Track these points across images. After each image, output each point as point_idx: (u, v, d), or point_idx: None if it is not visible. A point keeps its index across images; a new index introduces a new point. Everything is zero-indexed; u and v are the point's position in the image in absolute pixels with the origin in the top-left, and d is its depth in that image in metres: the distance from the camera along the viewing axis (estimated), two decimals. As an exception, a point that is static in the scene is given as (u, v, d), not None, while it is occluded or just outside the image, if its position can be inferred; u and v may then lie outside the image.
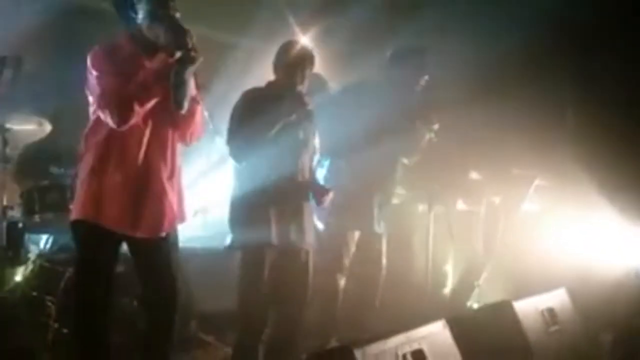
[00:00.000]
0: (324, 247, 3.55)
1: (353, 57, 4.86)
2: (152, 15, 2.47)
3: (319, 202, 3.16)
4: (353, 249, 3.59)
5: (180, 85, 2.46)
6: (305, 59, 3.11)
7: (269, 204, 3.00)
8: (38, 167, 3.95)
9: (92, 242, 2.52)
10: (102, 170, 2.49)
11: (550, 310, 3.27)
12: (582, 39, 4.69)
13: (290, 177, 3.07)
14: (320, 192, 3.14)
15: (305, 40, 5.15)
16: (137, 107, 2.40)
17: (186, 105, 2.51)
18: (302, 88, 3.09)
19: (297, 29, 5.15)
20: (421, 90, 3.65)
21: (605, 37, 4.57)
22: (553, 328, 3.22)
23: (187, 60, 2.42)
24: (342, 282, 3.54)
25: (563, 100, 4.86)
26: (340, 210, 3.51)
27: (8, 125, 3.58)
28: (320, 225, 3.59)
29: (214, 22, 4.52)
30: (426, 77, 3.63)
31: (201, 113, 2.65)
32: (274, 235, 2.99)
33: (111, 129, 2.45)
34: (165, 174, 2.58)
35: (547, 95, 4.79)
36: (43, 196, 3.60)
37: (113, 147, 2.49)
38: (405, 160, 3.77)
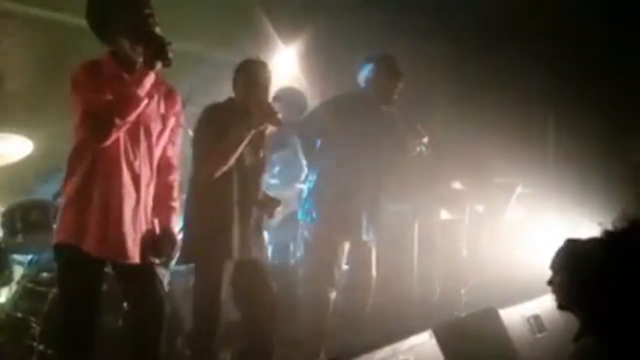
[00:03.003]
0: (313, 259, 3.56)
1: (335, 69, 4.89)
2: (132, 33, 2.48)
3: (270, 215, 3.19)
4: (344, 260, 3.58)
5: None
6: (266, 77, 3.15)
7: (231, 221, 3.03)
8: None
9: (76, 266, 2.47)
10: (86, 196, 2.46)
11: (536, 318, 3.29)
12: (561, 45, 4.75)
13: (253, 197, 3.12)
14: (271, 205, 3.17)
15: (288, 53, 5.20)
16: (117, 121, 2.38)
17: None
18: (266, 103, 3.12)
19: (279, 43, 5.18)
20: (400, 98, 3.67)
21: (584, 42, 4.63)
22: (539, 335, 3.23)
23: None
24: (332, 295, 3.53)
25: (544, 108, 4.92)
26: (328, 222, 3.52)
27: (-12, 146, 3.57)
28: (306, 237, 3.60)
29: (194, 36, 4.53)
30: (401, 84, 3.61)
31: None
32: (235, 249, 3.03)
33: (95, 153, 2.44)
34: (151, 200, 2.59)
35: (527, 102, 4.84)
36: (26, 216, 3.56)
37: (97, 172, 2.45)
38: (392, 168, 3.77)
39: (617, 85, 4.56)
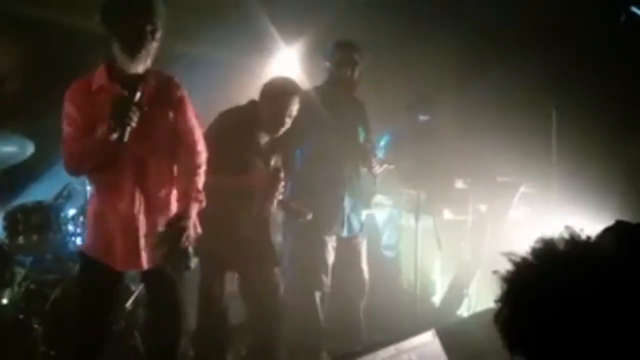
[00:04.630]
0: (298, 262, 3.51)
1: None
2: (125, 43, 2.44)
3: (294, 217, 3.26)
4: (331, 261, 3.53)
5: None
6: (292, 102, 3.13)
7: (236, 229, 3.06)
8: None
9: (98, 276, 2.55)
10: (103, 209, 2.52)
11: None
12: (564, 42, 4.73)
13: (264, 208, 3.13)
14: (295, 214, 3.26)
15: (290, 52, 5.18)
16: (88, 165, 2.48)
17: None
18: (282, 130, 3.14)
19: (281, 42, 5.16)
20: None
21: (588, 39, 4.61)
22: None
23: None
24: (317, 298, 3.48)
25: (547, 106, 4.90)
26: (309, 222, 3.43)
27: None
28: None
29: (195, 36, 4.51)
30: (356, 69, 3.55)
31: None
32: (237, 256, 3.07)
33: (105, 167, 2.46)
34: (163, 205, 2.58)
35: (530, 101, 4.82)
36: (27, 217, 3.56)
37: (109, 184, 2.50)
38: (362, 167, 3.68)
39: (621, 83, 4.54)
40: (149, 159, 2.53)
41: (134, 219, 2.51)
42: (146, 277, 2.66)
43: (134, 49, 2.42)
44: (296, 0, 4.91)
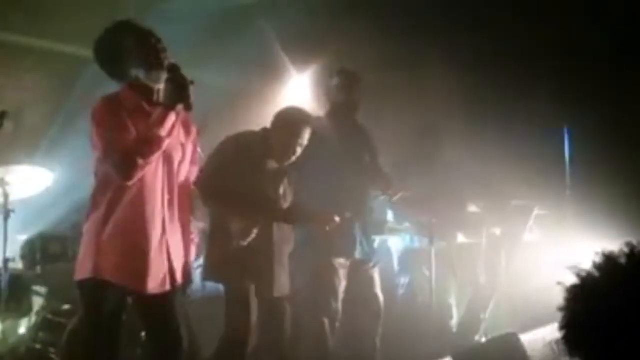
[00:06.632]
0: (309, 287, 3.49)
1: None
2: (146, 64, 2.48)
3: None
4: (342, 287, 3.51)
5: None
6: (304, 132, 3.17)
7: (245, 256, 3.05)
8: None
9: (99, 300, 2.48)
10: (109, 224, 2.46)
11: (559, 342, 3.23)
12: (576, 63, 4.74)
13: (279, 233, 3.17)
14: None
15: (301, 80, 5.24)
16: (140, 162, 2.39)
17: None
18: (293, 158, 3.19)
19: (292, 70, 5.23)
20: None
21: (601, 59, 4.62)
22: (562, 359, 3.17)
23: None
24: (327, 324, 3.44)
25: (560, 128, 4.90)
26: (318, 243, 3.43)
27: (8, 179, 3.59)
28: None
29: (208, 65, 4.58)
30: (355, 101, 3.65)
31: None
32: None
33: (119, 187, 2.44)
34: (176, 228, 2.58)
35: (543, 123, 4.82)
36: (45, 247, 3.60)
37: (122, 202, 2.46)
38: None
39: (635, 105, 4.53)
40: (175, 182, 2.58)
41: (163, 240, 2.53)
42: (146, 302, 2.59)
43: (153, 67, 2.47)
44: (307, 28, 4.98)
